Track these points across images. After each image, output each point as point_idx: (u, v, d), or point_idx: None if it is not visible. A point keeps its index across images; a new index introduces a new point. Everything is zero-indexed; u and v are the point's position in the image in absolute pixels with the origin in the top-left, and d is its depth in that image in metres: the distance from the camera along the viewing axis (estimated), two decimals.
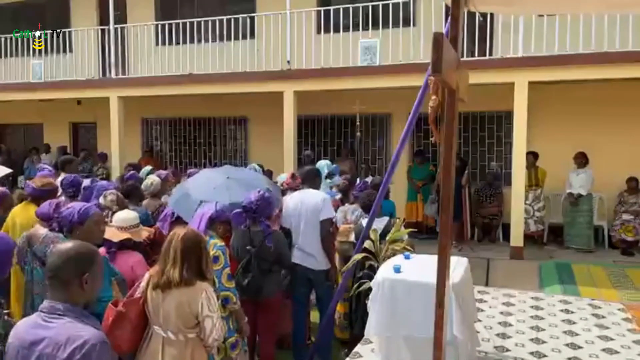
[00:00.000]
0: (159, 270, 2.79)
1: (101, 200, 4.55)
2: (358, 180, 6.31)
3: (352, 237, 4.88)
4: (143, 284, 2.83)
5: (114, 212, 4.13)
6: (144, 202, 5.37)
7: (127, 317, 2.70)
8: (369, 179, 6.29)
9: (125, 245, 3.60)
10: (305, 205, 4.60)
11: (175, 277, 2.71)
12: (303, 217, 4.58)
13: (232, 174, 4.89)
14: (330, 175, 6.31)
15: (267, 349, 4.21)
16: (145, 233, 3.88)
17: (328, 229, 4.62)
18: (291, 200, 4.73)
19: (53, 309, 1.98)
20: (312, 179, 4.90)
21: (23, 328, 2.02)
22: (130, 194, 5.12)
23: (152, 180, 5.48)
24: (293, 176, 5.67)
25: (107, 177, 9.88)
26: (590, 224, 8.39)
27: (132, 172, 6.62)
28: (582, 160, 8.42)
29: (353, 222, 5.19)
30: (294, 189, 5.36)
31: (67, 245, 2.10)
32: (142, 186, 5.45)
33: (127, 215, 3.79)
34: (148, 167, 6.88)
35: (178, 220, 4.37)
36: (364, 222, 4.59)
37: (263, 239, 4.04)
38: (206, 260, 2.88)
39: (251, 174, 5.48)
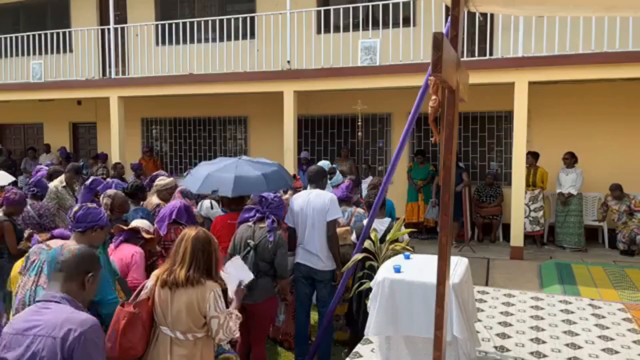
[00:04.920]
0: (168, 268, 2.80)
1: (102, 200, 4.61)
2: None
3: (352, 237, 4.88)
4: (150, 283, 2.83)
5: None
6: (145, 202, 5.42)
7: (140, 317, 2.70)
8: (368, 179, 6.30)
9: (129, 240, 3.85)
10: (312, 205, 4.56)
11: (181, 276, 2.72)
12: (309, 217, 4.55)
13: (244, 157, 5.51)
14: (329, 175, 6.28)
15: (259, 355, 4.13)
16: (147, 235, 4.03)
17: (335, 229, 4.60)
18: (297, 200, 4.70)
19: (50, 297, 2.09)
20: (319, 179, 4.87)
21: (20, 318, 2.09)
22: (134, 194, 5.21)
23: (166, 180, 5.57)
24: (295, 177, 5.68)
25: (107, 177, 9.88)
26: (581, 224, 8.42)
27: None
28: (570, 160, 8.44)
29: (346, 224, 5.20)
30: (295, 190, 5.38)
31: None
32: (157, 186, 5.50)
33: (144, 222, 4.17)
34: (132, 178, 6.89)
35: (176, 222, 4.45)
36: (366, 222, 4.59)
37: (266, 234, 4.02)
38: (216, 261, 2.89)
39: (264, 159, 5.75)
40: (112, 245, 3.76)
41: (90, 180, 5.81)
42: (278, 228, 4.16)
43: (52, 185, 6.23)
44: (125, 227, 3.86)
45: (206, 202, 5.82)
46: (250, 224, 4.15)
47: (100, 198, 4.78)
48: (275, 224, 4.09)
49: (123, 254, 3.65)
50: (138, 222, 4.10)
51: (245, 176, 4.81)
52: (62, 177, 6.44)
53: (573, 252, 8.24)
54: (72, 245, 3.10)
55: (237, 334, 2.94)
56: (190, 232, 2.88)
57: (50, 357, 1.94)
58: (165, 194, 5.43)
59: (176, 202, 4.80)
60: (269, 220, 4.08)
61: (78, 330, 1.97)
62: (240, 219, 4.25)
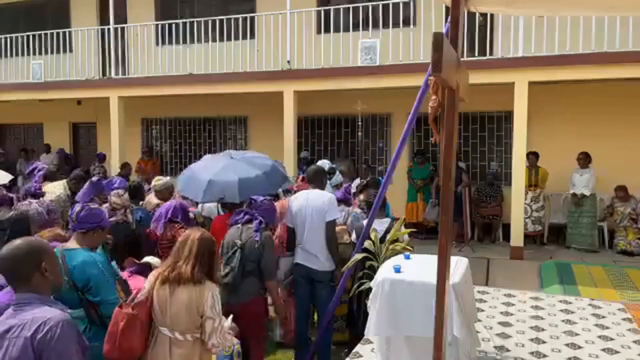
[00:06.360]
0: (170, 264, 2.81)
1: (115, 199, 4.66)
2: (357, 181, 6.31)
3: (352, 237, 4.88)
4: (147, 285, 2.84)
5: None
6: (144, 201, 5.44)
7: (138, 319, 2.71)
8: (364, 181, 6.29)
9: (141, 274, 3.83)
10: (310, 206, 4.55)
11: (187, 271, 2.74)
12: (308, 217, 4.54)
13: (235, 154, 5.34)
14: (329, 175, 6.28)
15: (258, 355, 4.12)
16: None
17: (334, 230, 4.59)
18: (296, 200, 4.68)
19: (21, 299, 2.07)
20: (318, 180, 4.86)
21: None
22: (135, 194, 5.26)
23: (163, 180, 5.58)
24: (304, 179, 5.69)
25: (105, 177, 9.85)
26: (594, 224, 8.40)
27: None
28: (585, 160, 8.41)
29: (342, 223, 5.19)
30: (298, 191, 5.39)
31: (13, 245, 2.12)
32: (155, 186, 5.51)
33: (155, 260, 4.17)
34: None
35: (172, 221, 4.49)
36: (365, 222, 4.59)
37: (252, 234, 4.04)
38: (216, 263, 2.92)
39: (253, 153, 5.69)
40: (125, 273, 3.74)
41: (96, 178, 5.81)
42: (265, 229, 4.18)
43: (60, 193, 5.99)
44: (137, 261, 3.84)
45: (209, 203, 5.82)
46: (239, 225, 4.18)
47: (111, 195, 4.83)
48: (262, 224, 4.12)
49: (137, 283, 3.59)
50: (149, 259, 4.09)
51: (247, 177, 4.81)
52: (64, 184, 6.25)
53: (582, 253, 8.17)
54: (69, 246, 3.11)
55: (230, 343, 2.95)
56: (194, 233, 2.92)
57: (22, 358, 1.93)
58: (165, 194, 5.44)
59: (172, 201, 4.87)
60: (256, 221, 4.12)
61: (46, 327, 1.96)
62: (231, 221, 4.28)
